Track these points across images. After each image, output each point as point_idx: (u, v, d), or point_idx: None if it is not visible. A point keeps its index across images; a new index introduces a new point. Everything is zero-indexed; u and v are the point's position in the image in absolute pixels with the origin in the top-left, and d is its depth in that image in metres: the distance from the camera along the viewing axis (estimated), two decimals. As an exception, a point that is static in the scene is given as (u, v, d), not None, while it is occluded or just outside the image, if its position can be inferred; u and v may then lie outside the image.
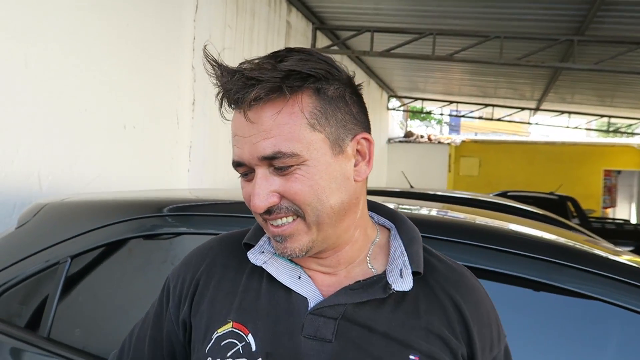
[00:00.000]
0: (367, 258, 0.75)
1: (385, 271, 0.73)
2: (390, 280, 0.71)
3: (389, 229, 0.80)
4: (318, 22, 6.81)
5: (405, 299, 0.72)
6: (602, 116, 12.44)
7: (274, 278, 0.73)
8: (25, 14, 2.63)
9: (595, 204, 11.41)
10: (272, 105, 0.66)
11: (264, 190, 0.67)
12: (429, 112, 15.62)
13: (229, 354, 0.70)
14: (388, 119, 13.09)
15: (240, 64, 0.67)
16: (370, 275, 0.74)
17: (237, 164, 0.70)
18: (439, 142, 13.68)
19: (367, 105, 0.75)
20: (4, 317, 1.43)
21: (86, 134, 3.05)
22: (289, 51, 0.68)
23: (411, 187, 7.06)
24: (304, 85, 0.67)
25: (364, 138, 0.72)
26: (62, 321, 1.39)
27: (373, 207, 0.82)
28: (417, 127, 17.51)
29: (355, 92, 0.73)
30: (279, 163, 0.66)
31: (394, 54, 6.63)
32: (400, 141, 13.53)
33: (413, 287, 0.72)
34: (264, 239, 0.77)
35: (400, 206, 1.57)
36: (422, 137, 14.25)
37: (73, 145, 2.96)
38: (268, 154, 0.66)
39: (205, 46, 0.68)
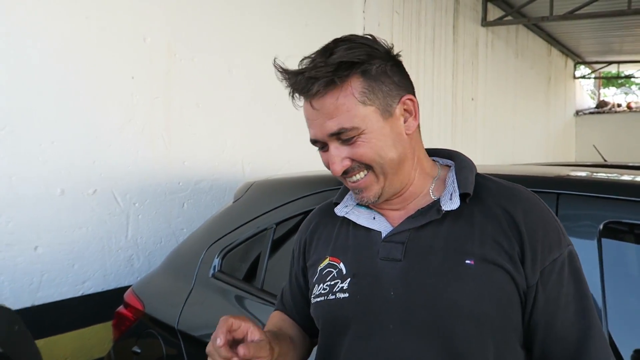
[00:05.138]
0: (430, 191, 0.93)
1: (440, 197, 0.90)
2: (442, 203, 0.88)
3: (450, 167, 0.97)
4: (488, -7, 6.48)
5: (461, 217, 0.87)
6: None
7: (357, 223, 0.95)
8: (230, 29, 3.13)
9: None
10: (329, 95, 0.84)
11: (338, 158, 0.87)
12: (629, 77, 13.58)
13: (328, 278, 0.94)
14: (575, 89, 11.74)
15: (301, 61, 0.87)
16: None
17: (313, 141, 0.90)
18: (642, 110, 11.81)
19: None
20: (229, 272, 1.80)
21: (277, 128, 3.49)
22: (335, 43, 0.86)
23: (605, 160, 6.29)
24: (352, 72, 0.84)
25: (409, 99, 0.89)
26: (271, 275, 1.70)
27: (435, 152, 1.00)
28: (612, 95, 15.31)
29: (395, 63, 0.89)
30: (344, 136, 0.85)
31: (579, 15, 5.98)
32: (591, 112, 12.04)
33: (468, 206, 0.88)
34: (347, 196, 0.99)
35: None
36: (619, 105, 12.46)
37: (267, 137, 3.43)
38: (334, 130, 0.85)
39: (274, 59, 0.88)
